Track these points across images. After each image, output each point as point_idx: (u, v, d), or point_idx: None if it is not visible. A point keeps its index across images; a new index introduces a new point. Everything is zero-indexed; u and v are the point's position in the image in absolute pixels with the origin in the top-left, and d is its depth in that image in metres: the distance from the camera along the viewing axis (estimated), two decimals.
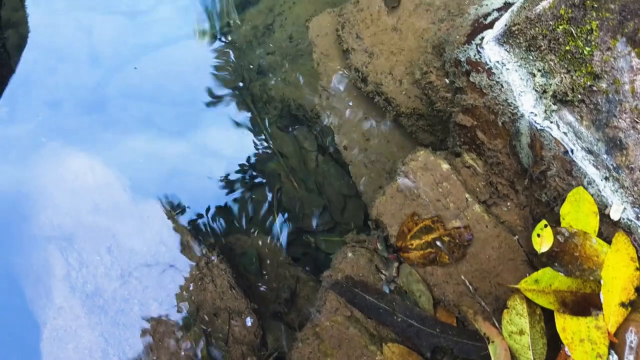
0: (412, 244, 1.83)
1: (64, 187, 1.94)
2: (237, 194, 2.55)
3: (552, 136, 1.65)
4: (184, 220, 2.28)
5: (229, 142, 2.65)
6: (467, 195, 1.85)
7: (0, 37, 2.62)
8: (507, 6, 1.86)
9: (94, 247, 1.88)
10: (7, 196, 1.96)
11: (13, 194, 1.96)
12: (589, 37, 1.49)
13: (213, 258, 1.97)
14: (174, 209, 2.15)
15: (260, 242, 2.43)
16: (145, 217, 1.98)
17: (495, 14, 1.87)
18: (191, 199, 2.46)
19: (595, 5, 1.46)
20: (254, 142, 2.66)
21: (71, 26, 2.80)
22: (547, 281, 1.55)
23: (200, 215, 2.45)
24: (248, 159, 2.63)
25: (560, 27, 1.55)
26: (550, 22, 1.57)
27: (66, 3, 2.84)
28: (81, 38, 2.79)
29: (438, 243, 1.78)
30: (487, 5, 1.94)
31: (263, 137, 2.67)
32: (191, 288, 1.89)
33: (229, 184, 2.56)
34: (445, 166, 1.91)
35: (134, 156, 2.38)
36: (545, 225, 1.55)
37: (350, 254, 1.89)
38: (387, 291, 1.81)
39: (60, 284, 1.80)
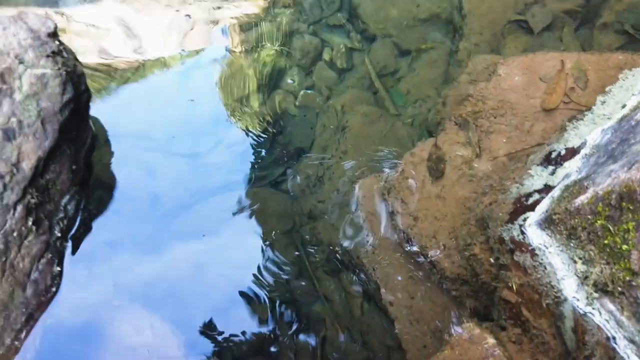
0: None
1: (125, 344, 2.06)
2: (281, 340, 2.60)
3: (594, 322, 1.69)
4: None
5: (277, 283, 2.75)
6: None
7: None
8: (547, 188, 1.98)
9: None
10: (73, 352, 2.08)
11: (79, 351, 2.08)
12: (626, 236, 1.58)
13: None
14: None
15: None
16: None
17: (536, 196, 1.98)
18: (236, 346, 2.53)
19: (631, 208, 1.56)
20: (301, 284, 2.76)
21: (135, 167, 2.96)
22: None
23: None
24: (294, 301, 2.71)
25: (599, 222, 1.64)
26: (589, 216, 1.67)
27: (132, 142, 3.01)
28: (145, 179, 2.96)
29: None
30: (528, 185, 2.06)
31: (310, 279, 2.77)
32: None
33: (274, 329, 2.63)
34: (491, 340, 1.95)
35: (191, 311, 2.50)
36: None
37: None
38: None
39: None
